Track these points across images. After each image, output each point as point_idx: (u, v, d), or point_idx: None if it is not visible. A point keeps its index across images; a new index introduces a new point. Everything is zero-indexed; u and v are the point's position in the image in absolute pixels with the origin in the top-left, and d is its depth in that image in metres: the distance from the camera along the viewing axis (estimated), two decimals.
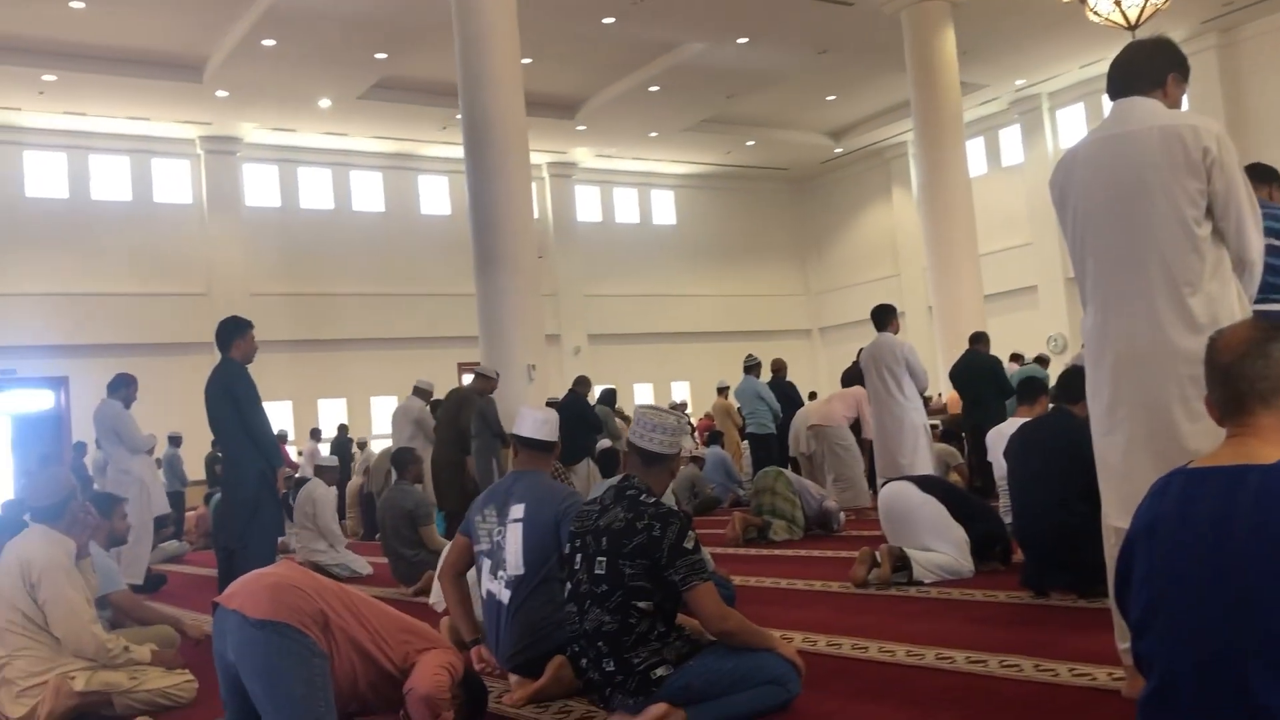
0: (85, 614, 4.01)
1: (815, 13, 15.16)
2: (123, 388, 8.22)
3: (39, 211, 17.66)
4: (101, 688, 3.94)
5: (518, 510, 3.83)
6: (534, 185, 15.46)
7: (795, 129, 21.94)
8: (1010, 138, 21.44)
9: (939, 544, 5.51)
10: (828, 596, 5.53)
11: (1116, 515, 2.89)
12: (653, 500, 3.26)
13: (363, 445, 15.54)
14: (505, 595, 3.79)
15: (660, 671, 3.11)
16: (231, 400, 6.09)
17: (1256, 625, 1.70)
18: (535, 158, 18.79)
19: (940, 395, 13.06)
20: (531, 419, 4.05)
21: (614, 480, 3.72)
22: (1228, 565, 1.74)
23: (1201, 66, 16.26)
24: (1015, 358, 13.20)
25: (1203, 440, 2.65)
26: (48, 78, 15.40)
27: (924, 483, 5.79)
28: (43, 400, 17.67)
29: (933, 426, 9.40)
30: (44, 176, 17.92)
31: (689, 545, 3.16)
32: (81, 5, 13.56)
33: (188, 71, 15.92)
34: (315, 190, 20.31)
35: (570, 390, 10.41)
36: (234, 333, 6.34)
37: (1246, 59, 17.42)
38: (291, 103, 17.43)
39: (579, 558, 3.28)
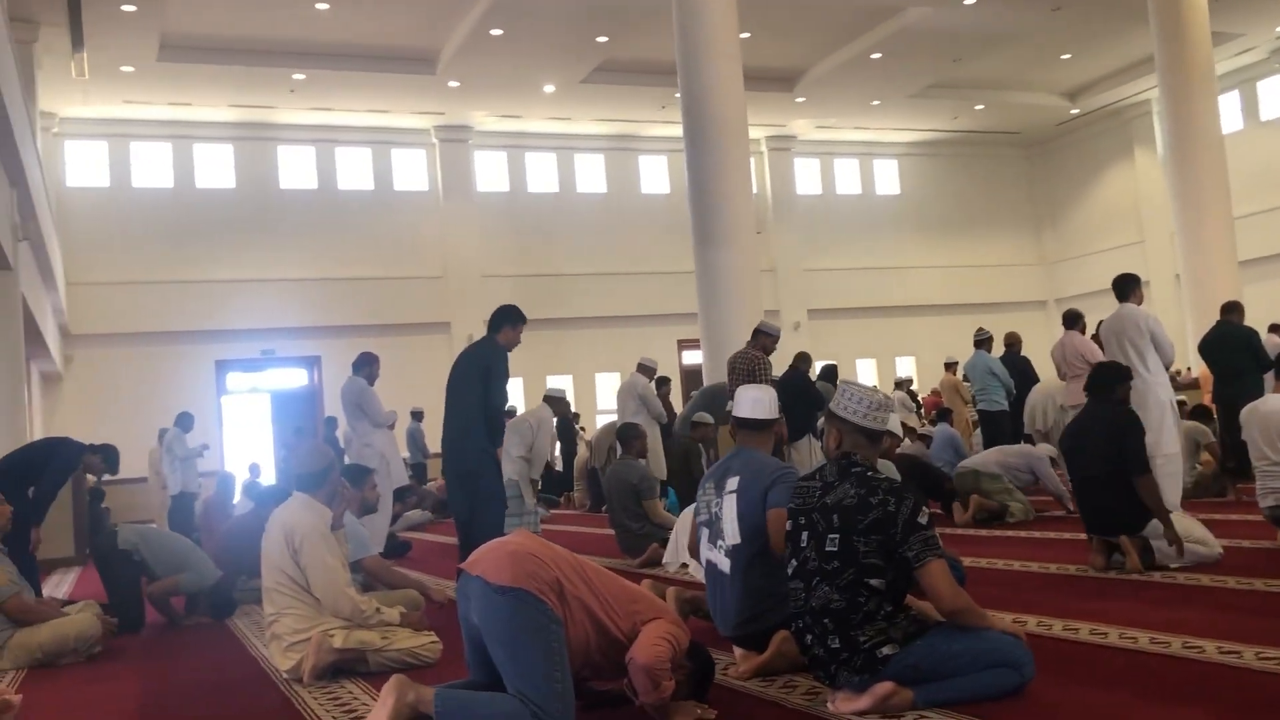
0: (341, 577, 4.31)
1: None
2: (366, 366, 8.72)
3: (292, 202, 19.01)
4: (357, 645, 4.23)
5: (733, 483, 3.88)
6: (752, 160, 15.42)
7: (1028, 90, 20.92)
8: (1270, 89, 19.72)
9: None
10: (1063, 580, 5.28)
11: None
12: (884, 476, 3.22)
13: (576, 417, 16.06)
14: (725, 564, 3.85)
15: (886, 650, 3.06)
16: (483, 377, 6.32)
17: None
18: (753, 132, 18.71)
19: (1189, 369, 12.22)
20: (747, 399, 4.07)
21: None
22: None
23: None
24: (1275, 328, 12.17)
25: None
26: (297, 76, 16.52)
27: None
28: (297, 378, 19.07)
29: (1180, 403, 8.79)
30: (295, 169, 19.26)
31: (923, 521, 3.10)
32: (326, 6, 14.46)
33: (422, 64, 16.73)
34: (541, 174, 20.96)
35: (791, 366, 10.32)
36: (506, 319, 6.62)
37: None
38: (518, 89, 18.02)
39: (805, 535, 3.25)
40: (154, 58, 15.13)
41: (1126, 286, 7.70)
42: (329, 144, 19.40)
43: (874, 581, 3.09)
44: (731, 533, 3.83)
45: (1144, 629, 3.93)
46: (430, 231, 19.67)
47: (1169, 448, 7.36)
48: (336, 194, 19.41)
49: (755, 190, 18.61)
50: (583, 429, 17.30)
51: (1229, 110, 18.77)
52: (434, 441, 15.81)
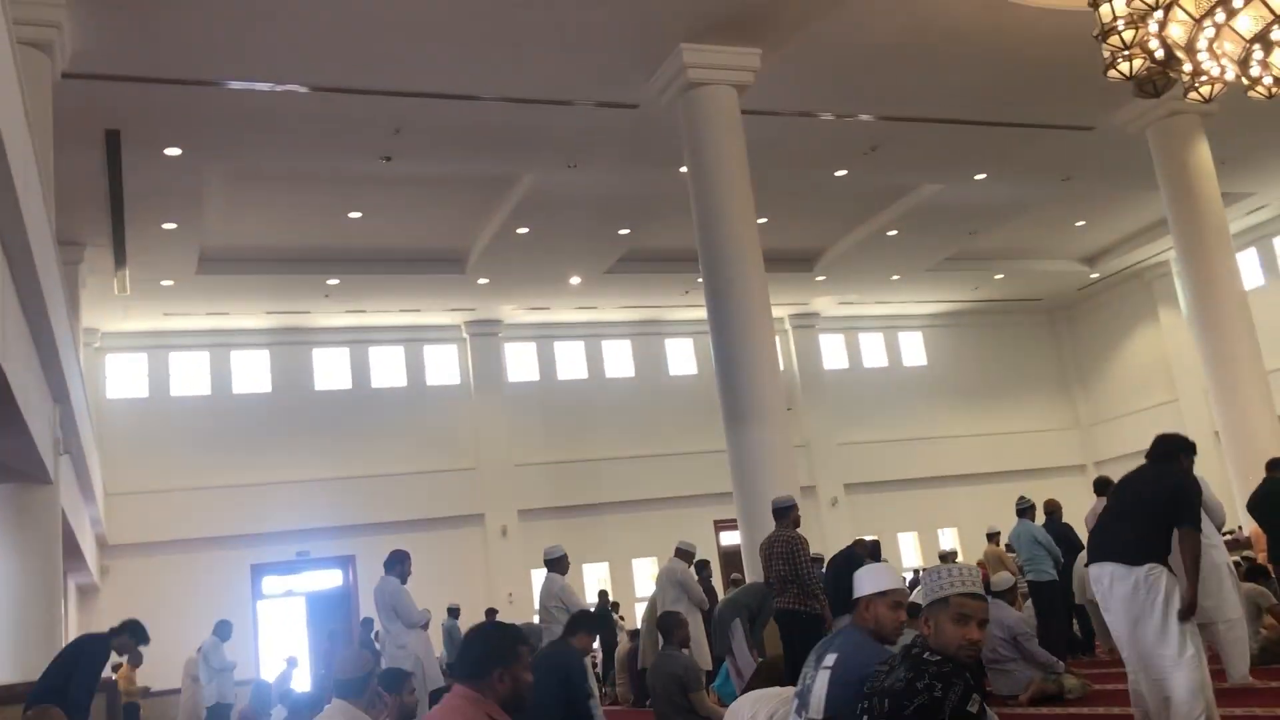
0: None
1: (1054, 140, 14.82)
2: (398, 564, 8.62)
3: (326, 402, 19.32)
4: None
5: (830, 659, 3.81)
6: (777, 338, 15.60)
7: (1046, 258, 21.26)
8: None
9: None
10: None
11: None
12: (936, 658, 3.10)
13: (615, 607, 15.75)
14: None
15: None
16: None
17: None
18: (777, 311, 18.99)
19: (1240, 528, 11.93)
20: (861, 575, 4.05)
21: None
22: None
23: None
24: None
25: None
26: (331, 282, 17.06)
27: None
28: (333, 579, 18.92)
29: (1236, 564, 8.53)
30: (330, 370, 19.66)
31: (973, 709, 2.96)
32: (358, 215, 15.05)
33: (451, 264, 17.26)
34: (570, 362, 21.28)
35: (849, 547, 10.16)
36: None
37: None
38: (545, 283, 18.49)
39: (865, 719, 3.14)
40: (193, 271, 15.70)
41: (1178, 451, 7.60)
42: (362, 344, 19.85)
43: None
44: (817, 706, 3.73)
45: None
46: (462, 424, 19.86)
47: (1231, 613, 7.10)
48: (370, 392, 19.73)
49: (783, 367, 18.77)
50: (622, 618, 16.94)
51: (1249, 267, 18.93)
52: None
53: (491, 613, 16.83)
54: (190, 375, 18.81)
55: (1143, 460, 5.62)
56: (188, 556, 17.41)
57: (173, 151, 12.07)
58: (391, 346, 20.10)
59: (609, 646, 14.35)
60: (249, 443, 18.39)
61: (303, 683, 14.59)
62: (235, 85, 11.03)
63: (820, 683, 3.78)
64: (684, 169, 11.72)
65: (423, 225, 15.87)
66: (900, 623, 3.86)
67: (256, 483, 18.13)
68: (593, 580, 19.40)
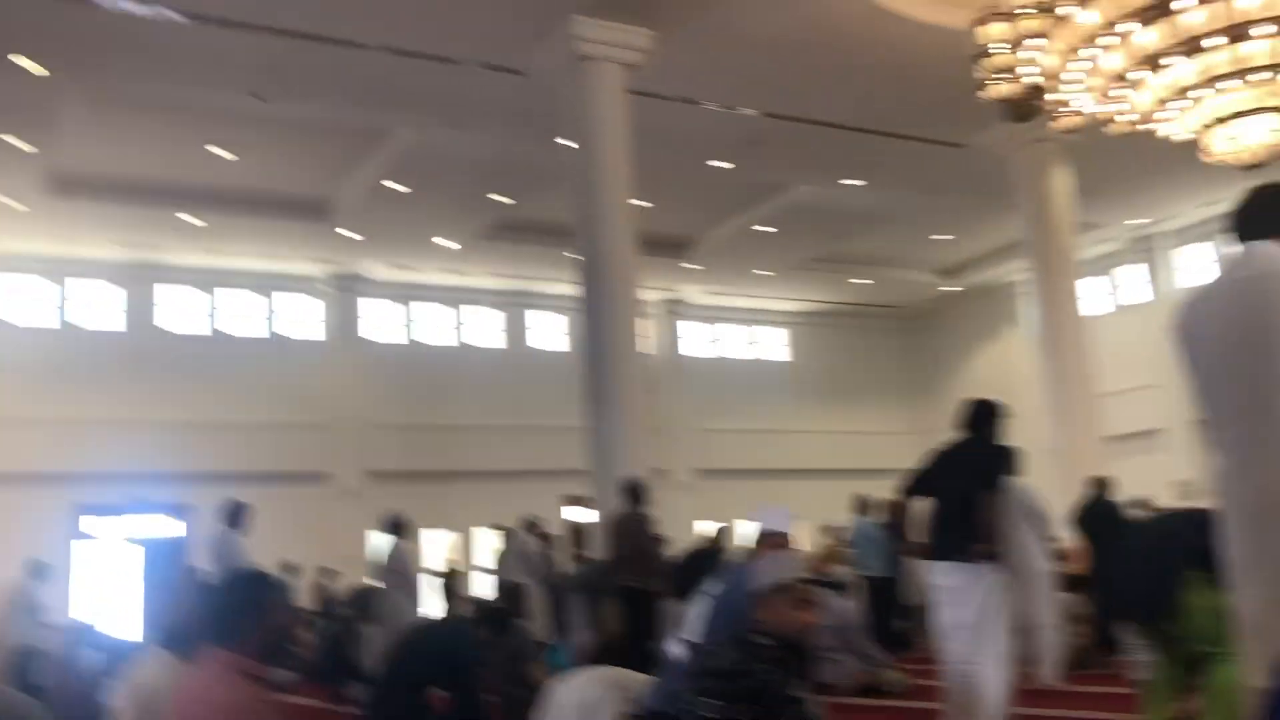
0: None
1: (925, 155, 15.29)
2: (236, 515, 8.41)
3: (173, 342, 18.58)
4: None
5: (720, 589, 4.09)
6: (645, 321, 15.71)
7: (906, 268, 21.94)
8: (1131, 276, 21.04)
9: None
10: None
11: (1254, 673, 2.71)
12: (769, 642, 3.18)
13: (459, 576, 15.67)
14: (679, 654, 4.02)
15: None
16: None
17: None
18: (646, 294, 19.09)
19: (1060, 540, 12.55)
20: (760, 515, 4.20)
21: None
22: None
23: None
24: (1138, 503, 12.63)
25: None
26: (189, 219, 16.38)
27: None
28: (167, 526, 18.24)
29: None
30: (180, 310, 18.90)
31: (796, 694, 3.06)
32: (224, 152, 14.49)
33: (317, 213, 16.78)
34: (435, 326, 20.99)
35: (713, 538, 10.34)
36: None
37: None
38: (415, 242, 18.18)
39: (696, 698, 3.19)
40: (41, 193, 14.87)
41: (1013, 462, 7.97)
42: (215, 287, 19.15)
43: None
44: (696, 630, 3.99)
45: None
46: (316, 379, 19.37)
47: (1048, 618, 7.51)
48: (220, 337, 19.07)
49: (647, 351, 18.90)
50: (463, 588, 16.87)
51: (1096, 294, 19.89)
52: (304, 597, 15.29)
53: (329, 573, 16.52)
54: (29, 303, 17.84)
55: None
56: (5, 493, 16.53)
57: (26, 62, 11.38)
58: (248, 292, 19.45)
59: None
60: (88, 379, 17.53)
61: (128, 630, 14.03)
62: (107, 5, 10.47)
63: (703, 606, 3.92)
64: (565, 142, 11.68)
65: (291, 170, 15.38)
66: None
67: (90, 420, 17.32)
68: (437, 547, 19.21)
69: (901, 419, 24.81)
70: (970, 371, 24.01)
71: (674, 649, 4.04)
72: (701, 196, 17.03)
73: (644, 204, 11.93)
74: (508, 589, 7.78)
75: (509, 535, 11.71)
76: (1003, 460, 5.54)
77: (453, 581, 15.64)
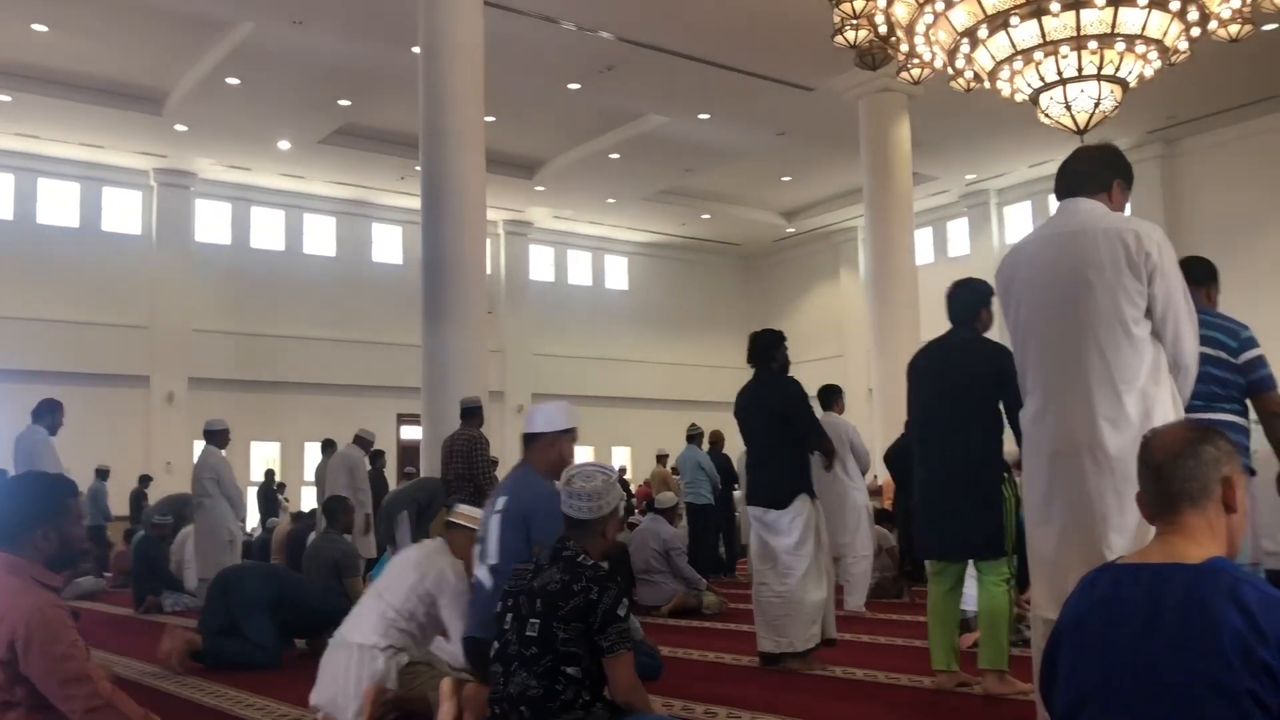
0: None
1: (776, 95, 15.47)
2: (48, 415, 7.99)
3: None
4: None
5: (501, 502, 4.02)
6: (489, 241, 15.51)
7: (750, 206, 22.28)
8: (958, 229, 21.92)
9: None
10: (757, 673, 5.49)
11: (1046, 606, 2.92)
12: (591, 563, 3.23)
13: (281, 488, 15.41)
14: (489, 582, 3.96)
15: None
16: None
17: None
18: (492, 214, 18.83)
19: (876, 477, 13.15)
20: (532, 413, 4.22)
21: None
22: (1154, 661, 1.75)
23: (1144, 174, 16.78)
24: None
25: (1132, 536, 2.71)
26: (1, 98, 15.22)
27: None
28: None
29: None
30: None
31: (621, 613, 3.12)
32: (44, 29, 13.47)
33: (147, 103, 15.84)
34: (267, 230, 20.19)
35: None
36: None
37: (1185, 171, 18.04)
38: (250, 142, 17.38)
39: (509, 618, 3.20)
40: None
41: (830, 397, 8.30)
42: (32, 173, 17.91)
43: (571, 670, 3.06)
44: (493, 552, 3.92)
45: None
46: (138, 278, 18.42)
47: (862, 550, 7.88)
48: (34, 228, 17.89)
49: (490, 271, 18.70)
50: (286, 499, 16.55)
51: (923, 244, 20.65)
52: (118, 504, 14.71)
53: (145, 479, 15.93)
54: None
55: None
56: None
57: None
58: (66, 181, 18.26)
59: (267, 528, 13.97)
60: None
61: None
62: None
63: (494, 527, 3.93)
64: (416, 49, 11.32)
65: (120, 55, 14.42)
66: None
67: None
68: (261, 459, 18.73)
69: (737, 355, 25.25)
70: (807, 312, 24.70)
71: (481, 573, 4.04)
72: (554, 119, 16.82)
73: (490, 119, 11.71)
74: (332, 502, 7.64)
75: (334, 449, 11.51)
76: (793, 400, 5.73)
77: (274, 492, 15.33)
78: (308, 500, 16.99)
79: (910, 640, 6.25)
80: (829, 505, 7.95)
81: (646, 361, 23.78)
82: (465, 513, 4.53)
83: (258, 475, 16.65)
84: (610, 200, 21.05)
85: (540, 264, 23.36)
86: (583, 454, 22.49)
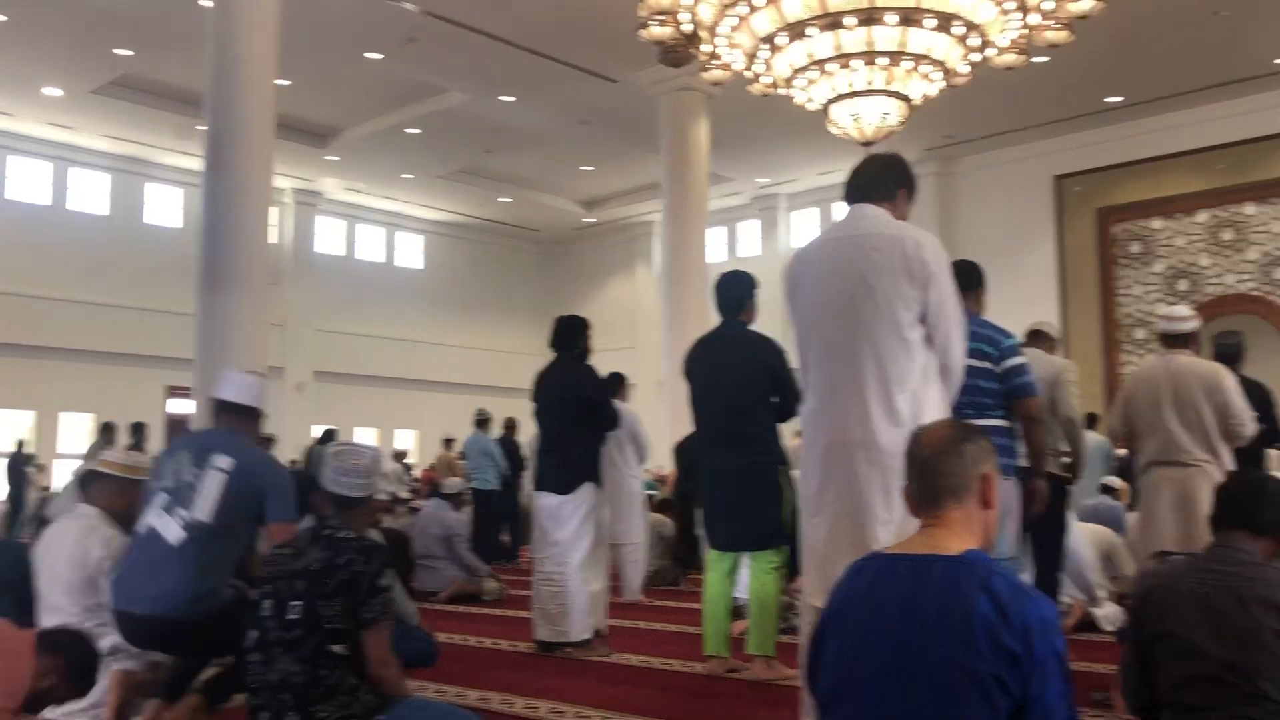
0: None
1: (580, 84, 15.49)
2: None
3: None
4: None
5: (224, 461, 3.80)
6: (275, 209, 14.89)
7: (550, 193, 22.24)
8: (749, 231, 22.58)
9: None
10: (532, 660, 5.48)
11: (815, 595, 3.03)
12: (354, 536, 3.14)
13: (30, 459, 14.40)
14: (177, 536, 3.71)
15: None
16: None
17: (934, 709, 1.80)
18: (279, 181, 18.13)
19: (663, 467, 13.41)
20: (231, 382, 4.02)
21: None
22: (910, 646, 1.84)
23: (922, 189, 17.46)
24: None
25: (897, 529, 2.84)
26: None
27: None
28: None
29: (649, 496, 9.60)
30: None
31: (383, 583, 3.06)
32: None
33: None
34: (30, 183, 18.69)
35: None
36: None
37: (959, 188, 19.18)
38: (14, 85, 16.03)
39: (268, 604, 3.06)
40: None
41: (613, 384, 8.38)
42: None
43: (337, 648, 2.97)
44: (205, 509, 3.72)
45: (595, 707, 4.17)
46: None
47: (636, 537, 8.00)
48: None
49: (274, 240, 17.94)
50: (41, 466, 15.46)
51: (716, 243, 21.17)
52: None
53: None
54: None
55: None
56: None
57: None
58: None
59: (16, 500, 13.04)
60: None
61: None
62: None
63: (212, 484, 3.73)
64: (206, 1, 10.71)
65: None
66: None
67: None
68: (9, 428, 17.34)
69: (533, 341, 25.28)
70: (602, 302, 24.86)
71: (165, 526, 3.74)
72: (351, 87, 16.27)
73: (284, 82, 11.21)
74: (91, 474, 7.15)
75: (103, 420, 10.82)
76: (593, 384, 5.79)
77: (21, 464, 14.29)
78: (61, 475, 15.85)
79: (684, 627, 6.39)
80: (606, 492, 8.04)
81: (438, 344, 23.39)
82: (117, 461, 4.20)
83: (5, 446, 15.42)
84: (406, 176, 20.58)
85: (329, 236, 22.58)
86: (367, 436, 21.97)
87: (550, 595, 5.55)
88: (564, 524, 5.59)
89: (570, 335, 5.89)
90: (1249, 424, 4.95)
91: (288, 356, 20.45)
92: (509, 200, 22.29)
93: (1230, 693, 2.45)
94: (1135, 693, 2.71)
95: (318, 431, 15.30)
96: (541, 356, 6.10)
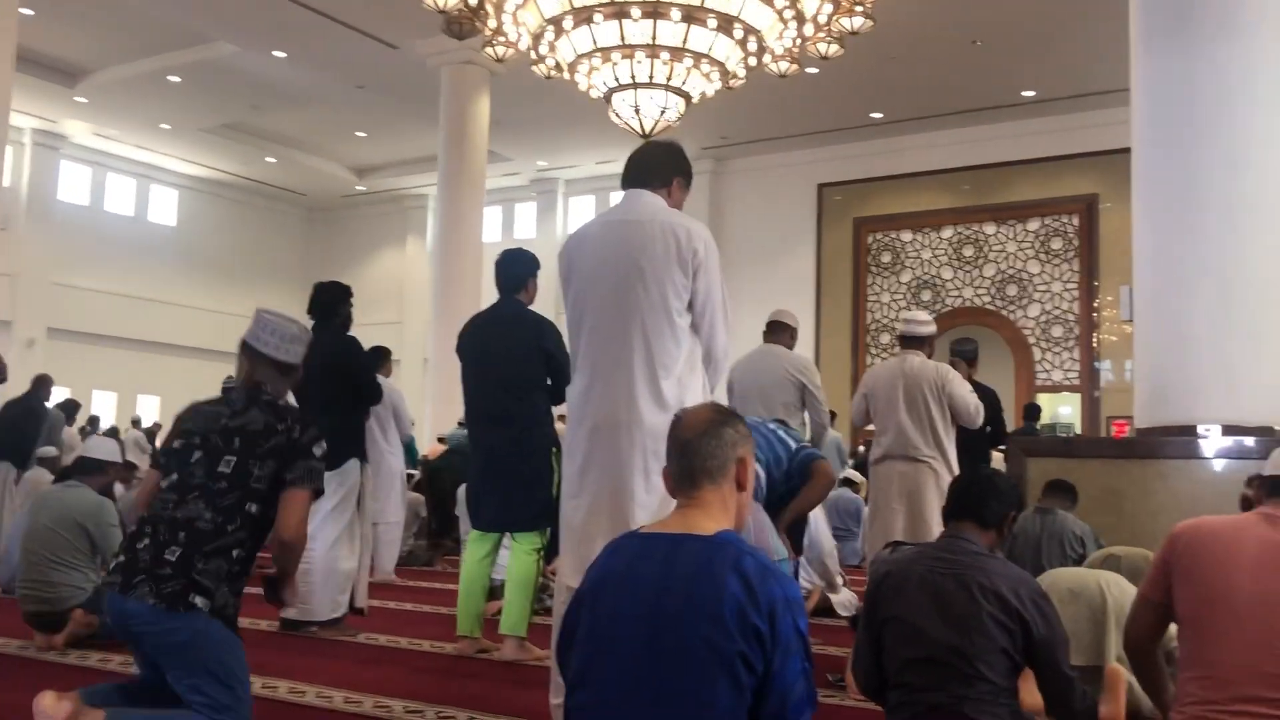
0: None
1: (359, 46, 14.97)
2: None
3: None
4: None
5: None
6: (10, 149, 13.67)
7: (321, 156, 21.41)
8: (526, 213, 22.50)
9: None
10: (275, 638, 5.27)
11: (571, 575, 3.05)
12: (295, 407, 3.15)
13: None
14: None
15: (199, 600, 2.80)
16: None
17: (681, 686, 1.84)
18: (18, 119, 16.70)
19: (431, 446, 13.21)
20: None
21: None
22: (661, 624, 1.87)
23: (696, 186, 18.13)
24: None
25: (656, 511, 2.90)
26: None
27: None
28: None
29: (410, 475, 9.43)
30: None
31: (317, 453, 3.05)
32: None
33: None
34: None
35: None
36: None
37: (730, 188, 19.78)
38: None
39: (199, 455, 2.99)
40: None
41: (378, 359, 8.18)
42: None
43: (253, 507, 2.94)
44: None
45: (340, 688, 4.05)
46: None
47: (392, 516, 7.84)
48: None
49: (8, 183, 16.47)
50: None
51: (492, 222, 20.96)
52: None
53: None
54: None
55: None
56: None
57: None
58: None
59: None
60: None
61: None
62: None
63: None
64: None
65: None
66: None
67: None
68: None
69: (295, 309, 24.02)
70: (370, 273, 24.14)
71: None
72: (107, 25, 15.10)
73: (27, 11, 10.31)
74: None
75: None
76: (355, 356, 5.63)
77: None
78: None
79: (437, 608, 6.32)
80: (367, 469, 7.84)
81: (189, 306, 22.08)
82: None
83: None
84: (164, 126, 19.30)
85: (74, 184, 20.89)
86: (106, 400, 20.56)
87: (301, 573, 5.35)
88: (324, 500, 5.40)
89: (331, 304, 5.66)
90: (977, 415, 5.40)
91: (18, 309, 18.84)
92: (275, 161, 21.31)
93: (951, 674, 2.63)
94: (866, 674, 2.87)
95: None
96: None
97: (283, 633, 5.33)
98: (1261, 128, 5.68)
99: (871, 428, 5.83)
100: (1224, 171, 5.65)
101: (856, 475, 9.04)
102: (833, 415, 12.14)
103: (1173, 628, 2.69)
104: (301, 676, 4.23)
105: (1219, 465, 5.41)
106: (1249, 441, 5.32)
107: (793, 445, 3.99)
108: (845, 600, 6.35)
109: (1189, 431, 5.51)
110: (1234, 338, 5.55)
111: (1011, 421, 10.31)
